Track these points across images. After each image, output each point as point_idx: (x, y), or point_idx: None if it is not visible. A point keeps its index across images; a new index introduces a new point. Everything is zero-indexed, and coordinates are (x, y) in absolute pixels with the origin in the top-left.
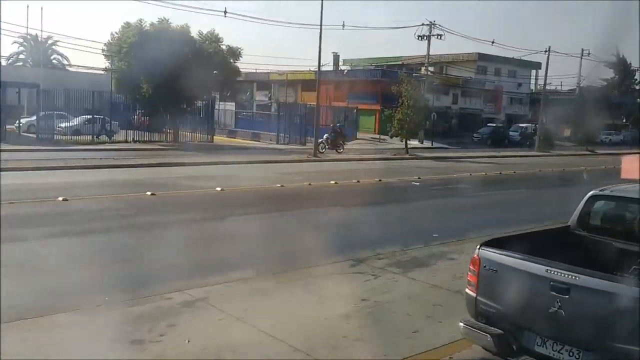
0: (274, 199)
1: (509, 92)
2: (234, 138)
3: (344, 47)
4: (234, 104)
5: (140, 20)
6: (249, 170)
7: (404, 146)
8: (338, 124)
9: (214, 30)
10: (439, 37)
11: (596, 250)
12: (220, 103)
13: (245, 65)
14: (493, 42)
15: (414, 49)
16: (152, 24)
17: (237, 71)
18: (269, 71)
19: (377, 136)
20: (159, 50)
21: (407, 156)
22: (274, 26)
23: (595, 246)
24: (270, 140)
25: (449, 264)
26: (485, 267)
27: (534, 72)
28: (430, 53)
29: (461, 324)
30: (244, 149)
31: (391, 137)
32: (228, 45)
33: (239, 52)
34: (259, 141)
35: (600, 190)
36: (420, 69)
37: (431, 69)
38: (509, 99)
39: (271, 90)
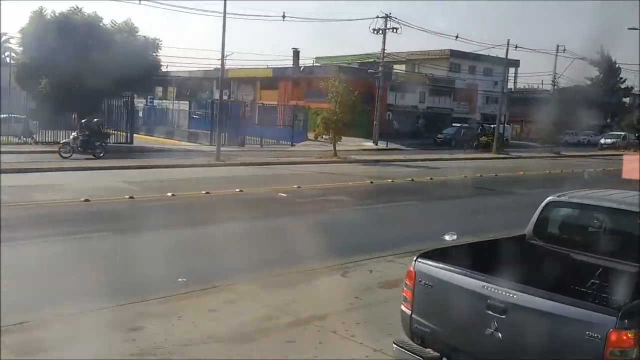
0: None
1: (486, 90)
2: (171, 139)
3: (324, 43)
4: (187, 103)
5: (41, 8)
6: (104, 177)
7: (352, 148)
8: (95, 120)
9: (130, 19)
10: (395, 30)
11: (552, 262)
12: (175, 102)
13: (208, 62)
14: (457, 37)
15: (390, 46)
16: (55, 13)
17: (156, 65)
18: (228, 68)
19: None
20: (60, 42)
21: (334, 159)
22: (239, 20)
23: (552, 258)
24: (207, 141)
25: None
26: (420, 281)
27: (513, 70)
28: (403, 50)
29: (394, 345)
30: (157, 151)
31: (316, 138)
32: (145, 36)
33: (158, 43)
34: (195, 142)
35: (558, 196)
36: (392, 67)
37: (402, 66)
38: (485, 98)
39: (230, 89)
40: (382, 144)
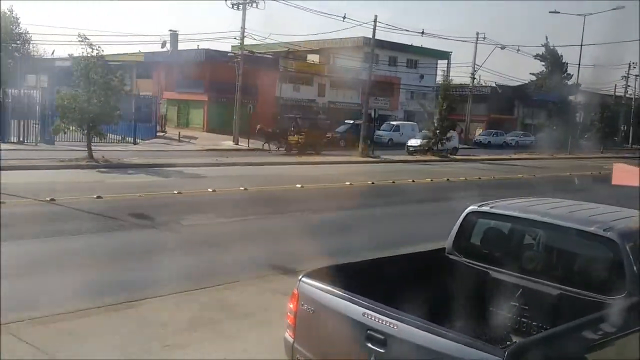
0: None
1: (411, 85)
2: None
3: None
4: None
5: None
6: None
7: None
8: None
9: None
10: (255, 4)
11: (470, 281)
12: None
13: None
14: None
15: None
16: None
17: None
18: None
19: (196, 133)
20: None
21: (83, 164)
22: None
23: (470, 275)
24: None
25: None
26: (303, 305)
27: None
28: (316, 38)
29: None
30: None
31: (53, 133)
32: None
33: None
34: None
35: (479, 206)
36: (306, 57)
37: (316, 56)
38: (410, 93)
39: None
40: (253, 143)
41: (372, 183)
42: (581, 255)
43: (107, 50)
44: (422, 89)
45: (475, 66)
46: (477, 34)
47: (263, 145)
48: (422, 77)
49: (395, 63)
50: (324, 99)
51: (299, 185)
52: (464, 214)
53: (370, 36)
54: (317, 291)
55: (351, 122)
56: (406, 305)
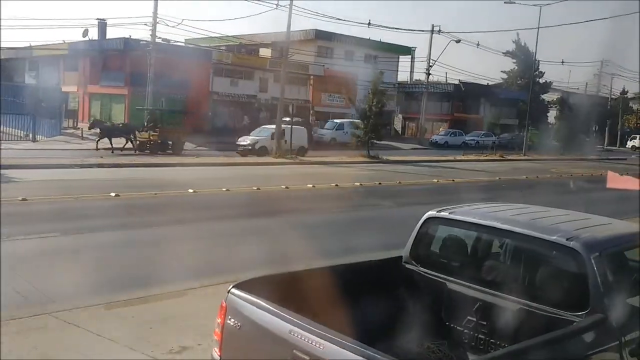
0: None
1: (369, 81)
2: None
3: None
4: None
5: None
6: None
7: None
8: None
9: None
10: None
11: (427, 293)
12: None
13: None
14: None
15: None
16: None
17: None
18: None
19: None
20: None
21: None
22: None
23: (427, 286)
24: None
25: None
26: (230, 319)
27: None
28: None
29: None
30: None
31: None
32: None
33: None
34: None
35: (438, 211)
36: (259, 51)
37: (267, 51)
38: (369, 90)
39: (38, 70)
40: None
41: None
42: (543, 266)
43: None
44: (382, 86)
45: (431, 61)
46: (433, 26)
47: (97, 142)
48: (381, 73)
49: (352, 58)
50: (266, 94)
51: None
52: (422, 220)
53: (323, 29)
54: (245, 304)
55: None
56: (349, 320)
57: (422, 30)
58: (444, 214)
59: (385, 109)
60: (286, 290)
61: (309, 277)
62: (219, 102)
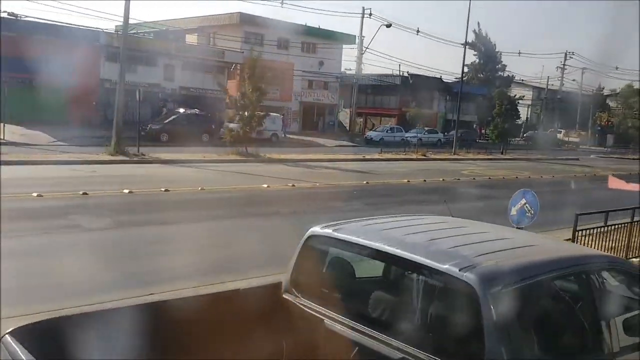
0: None
1: (308, 72)
2: None
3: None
4: None
5: None
6: None
7: None
8: None
9: None
10: None
11: (302, 332)
12: None
13: None
14: None
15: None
16: None
17: None
18: None
19: None
20: None
21: None
22: None
23: (303, 324)
24: None
25: None
26: None
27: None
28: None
29: None
30: None
31: None
32: None
33: None
34: None
35: (322, 228)
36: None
37: (193, 36)
38: (308, 82)
39: None
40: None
41: None
42: (436, 303)
43: None
44: (325, 77)
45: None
46: (364, 9)
47: None
48: (321, 63)
49: (287, 46)
50: (173, 83)
51: None
52: (304, 238)
53: (248, 12)
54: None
55: (181, 111)
56: None
57: (352, 13)
58: (327, 231)
59: (303, 99)
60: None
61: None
62: (113, 91)
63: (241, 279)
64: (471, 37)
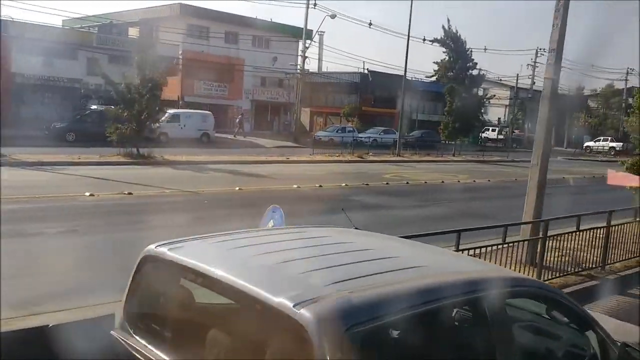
0: None
1: (260, 68)
2: None
3: None
4: None
5: None
6: None
7: None
8: None
9: None
10: None
11: None
12: None
13: None
14: None
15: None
16: None
17: None
18: None
19: None
20: None
21: None
22: None
23: None
24: None
25: None
26: None
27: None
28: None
29: None
30: None
31: None
32: None
33: None
34: None
35: (157, 246)
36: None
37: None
38: (260, 79)
39: None
40: None
41: None
42: (271, 347)
43: None
44: (279, 74)
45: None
46: (308, 1)
47: None
48: (275, 59)
49: (236, 40)
50: (97, 78)
51: None
52: (139, 259)
53: (189, 3)
54: None
55: (93, 108)
56: None
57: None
58: (163, 249)
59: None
60: None
61: None
62: (28, 87)
63: None
64: (440, 34)
